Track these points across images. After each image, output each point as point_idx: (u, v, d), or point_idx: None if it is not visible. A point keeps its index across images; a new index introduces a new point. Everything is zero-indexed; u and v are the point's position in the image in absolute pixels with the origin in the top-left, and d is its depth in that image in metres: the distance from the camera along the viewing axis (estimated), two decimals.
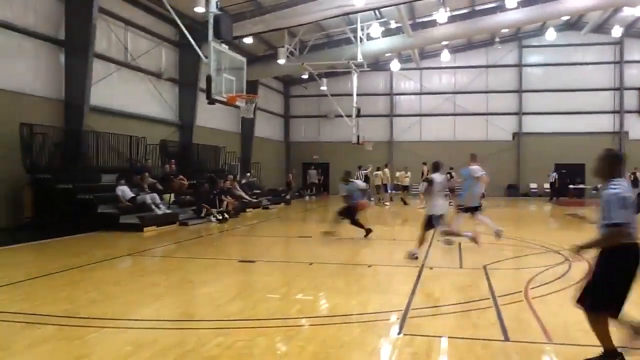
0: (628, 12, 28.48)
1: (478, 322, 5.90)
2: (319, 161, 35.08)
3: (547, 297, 6.93)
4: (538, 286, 7.53)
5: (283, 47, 24.78)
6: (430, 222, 10.22)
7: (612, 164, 4.54)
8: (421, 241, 10.20)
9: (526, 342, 5.30)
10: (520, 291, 7.19)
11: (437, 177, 10.56)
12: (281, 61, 24.72)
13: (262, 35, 24.27)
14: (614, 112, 33.26)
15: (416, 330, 5.62)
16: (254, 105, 14.78)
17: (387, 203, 25.82)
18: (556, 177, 30.44)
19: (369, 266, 9.33)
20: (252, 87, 25.38)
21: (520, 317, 6.07)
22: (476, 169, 12.42)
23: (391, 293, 7.43)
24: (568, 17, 31.42)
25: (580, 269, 8.91)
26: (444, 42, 30.55)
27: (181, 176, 19.14)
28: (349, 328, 5.79)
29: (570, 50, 33.40)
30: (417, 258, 9.74)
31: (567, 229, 17.41)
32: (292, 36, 25.36)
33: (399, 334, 5.52)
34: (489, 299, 6.86)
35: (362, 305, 6.66)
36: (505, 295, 6.99)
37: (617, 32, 30.07)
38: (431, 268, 9.11)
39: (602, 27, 31.44)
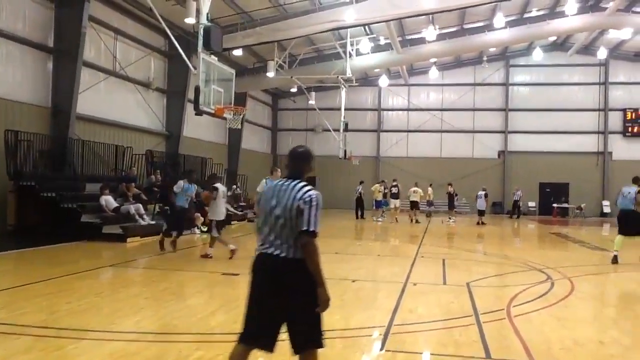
0: (613, 35, 29.00)
1: (460, 339, 5.90)
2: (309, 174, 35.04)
3: (530, 315, 6.95)
4: (521, 304, 7.56)
5: (273, 60, 24.87)
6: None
7: None
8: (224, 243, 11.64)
9: (507, 359, 5.32)
10: (503, 309, 7.21)
11: (221, 186, 11.92)
12: (270, 74, 24.78)
13: (252, 47, 24.35)
14: (598, 132, 33.68)
15: (398, 347, 5.61)
16: (241, 117, 14.78)
17: (380, 219, 25.66)
18: (520, 195, 30.62)
19: (352, 281, 9.31)
20: (241, 99, 25.44)
21: (502, 335, 6.08)
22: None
23: (374, 309, 7.42)
24: (555, 38, 31.97)
25: (563, 286, 9.00)
26: (433, 60, 30.88)
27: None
28: (331, 343, 5.74)
29: (556, 71, 33.86)
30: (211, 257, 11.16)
31: (552, 248, 17.50)
32: (282, 49, 25.47)
33: (381, 349, 5.50)
34: (471, 316, 6.86)
35: (345, 320, 6.63)
36: (487, 312, 7.01)
37: (602, 53, 30.56)
38: (415, 284, 9.12)
39: (588, 49, 31.96)
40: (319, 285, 3.63)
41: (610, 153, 33.45)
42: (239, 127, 16.61)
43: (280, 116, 37.17)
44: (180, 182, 12.73)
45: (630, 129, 33.24)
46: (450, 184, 26.58)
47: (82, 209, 14.93)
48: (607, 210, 32.26)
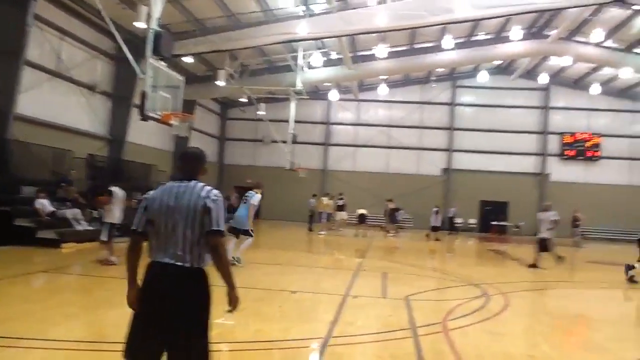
0: (554, 61, 30.23)
1: (396, 352, 5.97)
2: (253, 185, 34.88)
3: (465, 329, 7.10)
4: (457, 318, 7.72)
5: (223, 69, 24.73)
6: None
7: None
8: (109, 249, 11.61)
9: None
10: (439, 322, 7.34)
11: (119, 190, 11.94)
12: (220, 83, 24.62)
13: (203, 55, 24.16)
14: (537, 154, 34.92)
15: (336, 359, 5.63)
16: (188, 124, 14.60)
17: (323, 232, 25.65)
18: (455, 212, 31.46)
19: (292, 292, 9.30)
20: (189, 107, 25.16)
21: (437, 348, 6.19)
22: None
23: (313, 320, 7.43)
24: (500, 62, 33.07)
25: (498, 302, 9.25)
26: (382, 76, 31.43)
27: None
28: (269, 355, 5.74)
29: (500, 93, 34.95)
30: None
31: (489, 264, 17.97)
32: (233, 59, 25.38)
33: None
34: (409, 329, 6.96)
35: (284, 331, 6.61)
36: (424, 326, 7.13)
37: (544, 79, 31.77)
38: (355, 297, 9.18)
39: (530, 74, 33.17)
40: (230, 286, 3.55)
41: (548, 174, 34.72)
42: (186, 134, 16.39)
43: (229, 125, 36.91)
44: (258, 196, 12.67)
45: (566, 152, 34.61)
46: (390, 200, 27.02)
47: (16, 212, 14.35)
48: None
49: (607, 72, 30.63)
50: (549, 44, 26.68)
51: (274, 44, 22.67)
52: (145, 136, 24.99)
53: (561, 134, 34.74)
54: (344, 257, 17.26)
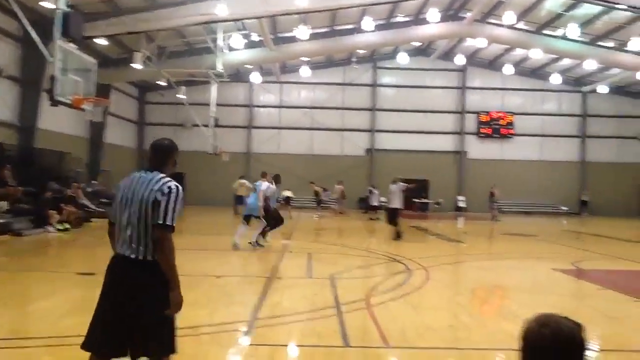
0: (470, 43, 31.19)
1: (321, 330, 6.03)
2: (175, 170, 34.13)
3: (388, 304, 7.27)
4: (380, 294, 7.89)
5: (140, 51, 23.84)
6: None
7: None
8: None
9: (365, 347, 5.52)
10: (363, 299, 7.48)
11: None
12: (137, 66, 23.74)
13: (117, 37, 23.19)
14: (456, 133, 36.11)
15: (261, 340, 5.63)
16: (102, 109, 14.04)
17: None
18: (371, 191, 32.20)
19: (217, 277, 9.20)
20: (104, 91, 24.17)
21: (361, 324, 6.31)
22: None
23: (239, 304, 7.39)
24: (419, 44, 33.75)
25: (419, 276, 9.52)
26: (304, 58, 31.37)
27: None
28: (192, 340, 5.63)
29: (419, 74, 35.78)
30: None
31: (411, 240, 18.44)
32: (150, 41, 24.50)
33: (243, 344, 5.49)
34: (333, 307, 7.05)
35: (208, 316, 6.53)
36: (348, 303, 7.24)
37: (460, 60, 32.74)
38: (280, 278, 9.20)
39: (448, 55, 34.07)
40: (172, 286, 3.41)
41: (466, 152, 36.01)
42: (101, 119, 15.75)
43: (148, 110, 35.81)
44: (272, 187, 13.55)
45: (483, 131, 35.99)
46: (312, 182, 27.25)
47: None
48: (462, 205, 34.69)
49: (519, 53, 31.93)
50: (465, 26, 27.48)
51: (192, 25, 22.13)
52: (58, 122, 23.74)
53: (478, 113, 36.08)
54: (269, 239, 17.24)
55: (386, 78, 36.44)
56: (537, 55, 29.16)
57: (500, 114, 36.02)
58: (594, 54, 28.25)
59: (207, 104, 28.09)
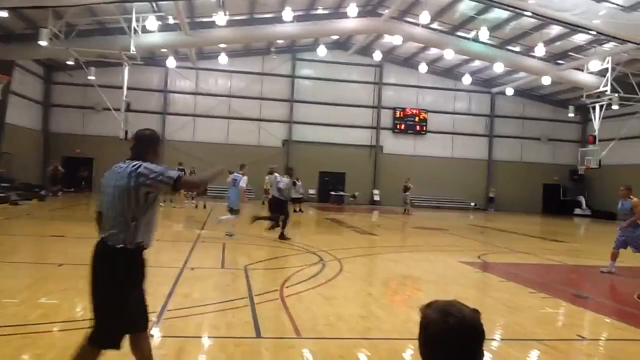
0: (387, 40, 31.77)
1: (233, 321, 5.93)
2: (83, 155, 32.66)
3: (300, 295, 7.26)
4: (293, 285, 7.87)
5: (46, 27, 22.46)
6: None
7: None
8: None
9: (277, 338, 5.47)
10: (276, 290, 7.43)
11: None
12: (43, 43, 22.36)
13: (21, 10, 21.73)
14: (372, 127, 36.77)
15: (169, 332, 5.45)
16: (3, 86, 13.10)
17: (162, 204, 24.67)
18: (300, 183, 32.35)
19: None
20: (6, 67, 22.66)
21: (274, 315, 6.25)
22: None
23: (148, 295, 7.08)
24: (337, 37, 34.00)
25: (333, 267, 9.58)
26: (222, 45, 30.78)
27: None
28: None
29: (338, 68, 36.06)
30: None
31: (326, 232, 18.62)
32: (58, 17, 23.14)
33: (150, 335, 5.27)
34: (246, 298, 6.95)
35: None
36: (261, 294, 7.16)
37: (377, 56, 33.29)
38: (192, 269, 8.98)
39: (366, 50, 34.54)
40: (214, 175, 4.06)
41: (381, 147, 36.77)
42: (0, 97, 14.71)
43: (56, 91, 33.85)
44: (286, 180, 13.92)
45: (398, 126, 36.87)
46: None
47: None
48: (377, 198, 35.44)
49: (433, 52, 32.87)
50: (382, 22, 27.95)
51: (104, 3, 21.09)
52: None
53: (393, 109, 36.88)
54: (182, 229, 16.85)
55: (305, 70, 36.48)
56: (450, 55, 30.14)
57: (414, 111, 37.03)
58: (503, 57, 29.57)
59: (119, 87, 26.94)
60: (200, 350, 5.10)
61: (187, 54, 31.91)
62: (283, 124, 35.71)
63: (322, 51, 32.23)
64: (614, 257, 10.87)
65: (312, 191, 35.17)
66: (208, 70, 34.80)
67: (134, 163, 3.63)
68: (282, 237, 13.56)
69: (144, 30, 24.85)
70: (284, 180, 14.06)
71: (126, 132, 26.03)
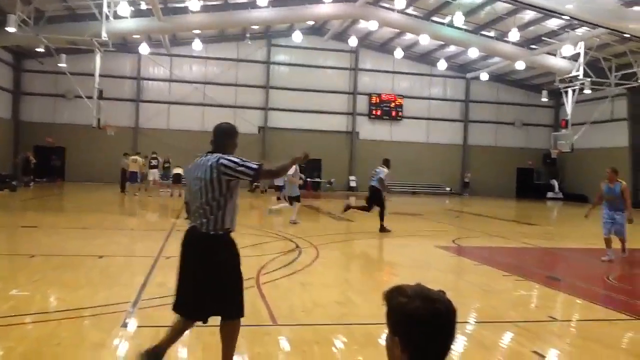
0: (363, 25, 31.69)
1: None
2: (55, 144, 32.09)
3: (277, 282, 7.27)
4: (270, 272, 7.86)
5: (14, 13, 21.90)
6: None
7: None
8: None
9: (253, 325, 5.45)
10: (253, 277, 7.41)
11: None
12: (11, 29, 21.84)
13: None
14: (348, 113, 36.77)
15: (144, 322, 5.42)
16: None
17: (137, 193, 24.41)
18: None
19: (99, 257, 8.75)
20: None
21: (250, 302, 6.17)
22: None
23: (122, 285, 7.05)
24: (313, 23, 33.80)
25: (310, 254, 9.60)
26: (196, 31, 30.36)
27: None
28: (70, 324, 5.31)
29: (313, 54, 35.91)
30: None
31: (303, 219, 18.59)
32: (26, 3, 22.60)
33: (125, 326, 5.24)
34: None
35: (88, 298, 6.18)
36: None
37: (353, 42, 33.21)
38: (168, 258, 8.90)
39: (341, 36, 34.43)
40: (293, 161, 4.46)
41: (358, 133, 36.82)
42: None
43: (26, 78, 33.11)
44: (386, 170, 13.95)
45: (374, 112, 36.92)
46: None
47: None
48: (353, 184, 35.53)
49: (408, 37, 32.89)
50: (358, 7, 27.86)
51: None
52: None
53: (369, 94, 36.89)
54: (158, 218, 16.72)
55: (280, 56, 36.25)
56: (425, 41, 30.19)
57: (390, 97, 37.09)
58: (477, 42, 29.72)
59: (91, 75, 26.45)
60: None
61: (160, 40, 31.46)
62: (259, 110, 35.51)
63: (297, 37, 32.04)
64: (608, 244, 10.37)
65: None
66: (182, 56, 34.38)
67: (215, 155, 3.96)
68: (383, 229, 13.55)
69: (116, 16, 24.45)
70: (382, 171, 13.98)
71: (99, 120, 25.64)
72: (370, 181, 14.23)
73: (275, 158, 29.20)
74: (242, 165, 3.89)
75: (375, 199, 14.00)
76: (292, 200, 14.84)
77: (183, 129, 33.65)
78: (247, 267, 8.38)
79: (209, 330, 5.22)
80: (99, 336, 4.95)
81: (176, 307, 4.10)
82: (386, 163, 14.34)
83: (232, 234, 4.08)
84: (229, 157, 3.93)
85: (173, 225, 13.31)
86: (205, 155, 4.06)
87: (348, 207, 14.69)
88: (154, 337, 4.91)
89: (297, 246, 10.41)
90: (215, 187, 3.88)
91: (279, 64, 36.13)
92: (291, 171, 13.72)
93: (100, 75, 26.41)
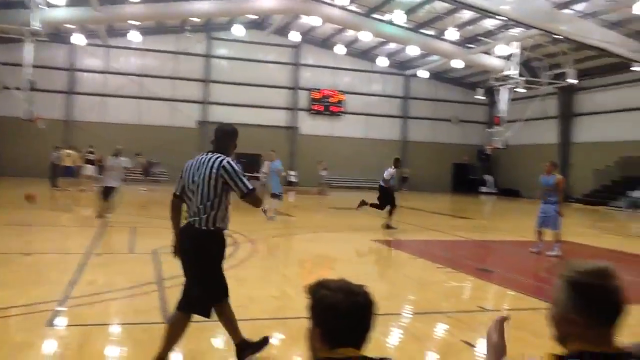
0: (305, 21, 31.69)
1: (140, 307, 5.81)
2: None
3: None
4: None
5: None
6: None
7: None
8: None
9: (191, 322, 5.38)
10: None
11: None
12: None
13: None
14: (289, 108, 36.72)
15: (73, 320, 5.28)
16: None
17: (71, 188, 23.49)
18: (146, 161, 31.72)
19: (27, 254, 8.41)
20: None
21: None
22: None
23: (51, 283, 6.80)
24: (255, 16, 33.52)
25: (246, 249, 9.55)
26: (134, 22, 29.54)
27: None
28: None
29: (255, 48, 35.62)
30: None
31: (240, 214, 18.46)
32: None
33: (52, 325, 5.07)
34: (154, 283, 6.80)
35: (15, 297, 5.94)
36: (172, 278, 6.99)
37: (295, 37, 33.15)
38: (99, 254, 8.67)
39: (283, 31, 34.27)
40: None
41: (298, 128, 36.83)
42: None
43: None
44: (391, 170, 13.88)
45: (314, 107, 37.02)
46: (138, 154, 26.09)
47: None
48: (293, 179, 35.51)
49: (350, 34, 33.09)
50: (300, 2, 27.85)
51: None
52: None
53: (310, 90, 36.95)
54: (90, 213, 16.21)
55: (221, 49, 35.77)
56: (366, 37, 30.48)
57: (331, 92, 37.27)
58: (417, 40, 30.27)
59: (21, 65, 25.33)
60: (106, 337, 4.94)
61: (96, 30, 30.44)
62: (198, 104, 34.94)
63: (238, 30, 31.75)
64: (538, 236, 10.70)
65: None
66: (119, 48, 33.33)
67: (219, 156, 4.13)
68: (388, 226, 13.65)
69: (48, 4, 23.54)
70: (389, 171, 14.04)
71: (30, 113, 24.61)
72: (381, 181, 14.42)
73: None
74: (240, 179, 4.09)
75: (385, 197, 14.20)
76: (274, 196, 14.74)
77: (119, 122, 32.69)
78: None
79: (141, 327, 5.14)
80: (23, 336, 4.77)
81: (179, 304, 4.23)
82: (395, 163, 14.44)
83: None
84: (231, 163, 4.11)
85: (106, 222, 12.94)
86: (206, 153, 4.22)
87: (363, 203, 14.83)
88: (84, 335, 4.79)
89: (235, 241, 10.32)
90: (212, 186, 4.06)
91: (219, 57, 35.65)
92: (265, 169, 13.87)
93: (32, 66, 25.33)
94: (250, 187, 4.15)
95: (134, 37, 30.90)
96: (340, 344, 1.73)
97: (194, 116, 34.70)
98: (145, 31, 32.12)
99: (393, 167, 14.20)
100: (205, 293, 4.14)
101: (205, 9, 27.61)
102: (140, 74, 33.68)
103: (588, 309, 1.63)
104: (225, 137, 4.38)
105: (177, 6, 27.10)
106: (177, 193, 4.31)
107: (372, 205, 14.68)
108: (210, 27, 34.77)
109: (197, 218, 4.08)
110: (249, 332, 5.04)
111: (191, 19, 31.28)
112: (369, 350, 1.79)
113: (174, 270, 7.52)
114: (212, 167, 4.06)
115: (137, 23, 29.92)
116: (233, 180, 4.07)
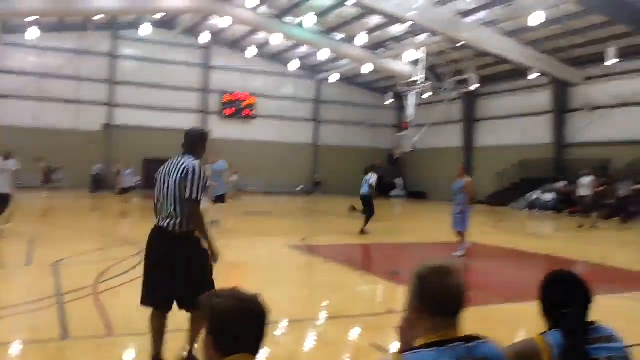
0: (215, 21, 31.18)
1: (37, 323, 5.43)
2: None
3: (117, 289, 6.84)
4: (109, 279, 7.38)
5: None
6: None
7: None
8: None
9: (87, 337, 5.08)
10: (90, 285, 6.92)
11: None
12: None
13: None
14: (199, 111, 35.99)
15: None
16: None
17: None
18: (102, 169, 31.11)
19: None
20: None
21: (85, 313, 5.81)
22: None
23: None
24: (163, 15, 32.52)
25: None
26: (32, 18, 27.80)
27: None
28: None
29: (163, 48, 34.62)
30: None
31: (149, 222, 17.87)
32: None
33: None
34: (54, 297, 6.37)
35: None
36: (73, 291, 6.61)
37: (205, 37, 32.53)
38: None
39: (193, 31, 33.52)
40: (209, 242, 4.24)
41: (209, 132, 36.10)
42: None
43: None
44: (375, 176, 14.11)
45: (226, 111, 36.52)
46: (40, 159, 24.79)
47: None
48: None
49: (262, 36, 32.87)
50: (210, 2, 27.35)
51: None
52: None
53: (221, 92, 36.40)
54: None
55: (127, 49, 34.50)
56: (277, 40, 30.45)
57: (242, 95, 36.92)
58: (327, 44, 30.58)
59: None
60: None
61: None
62: (103, 107, 33.48)
63: (145, 30, 30.75)
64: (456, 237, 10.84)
65: (137, 178, 33.55)
66: (15, 45, 31.26)
67: (187, 161, 4.21)
68: (362, 232, 13.82)
69: None
70: (373, 177, 14.21)
71: None
72: (361, 188, 14.47)
73: (121, 157, 27.74)
74: (197, 185, 4.10)
75: (369, 205, 14.38)
76: (218, 200, 14.27)
77: (15, 125, 30.39)
78: (84, 276, 7.88)
79: (38, 345, 4.77)
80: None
81: (147, 301, 4.29)
82: (372, 169, 14.65)
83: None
84: (198, 168, 4.16)
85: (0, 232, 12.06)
86: (177, 157, 4.30)
87: (353, 209, 14.79)
88: None
89: (140, 251, 9.91)
90: (181, 189, 4.12)
91: (125, 57, 34.37)
92: (209, 172, 13.25)
93: None
94: (198, 198, 4.13)
95: (32, 34, 29.06)
96: (233, 351, 1.75)
97: (98, 119, 33.22)
98: (45, 28, 30.26)
99: (373, 172, 14.47)
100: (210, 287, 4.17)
101: (109, 6, 26.44)
102: (40, 74, 31.72)
103: (427, 298, 1.95)
104: (193, 140, 4.42)
105: (80, 3, 25.81)
106: (155, 201, 4.38)
107: (361, 212, 14.89)
108: (116, 26, 33.46)
109: (170, 221, 4.14)
110: (148, 346, 4.83)
111: (95, 16, 29.86)
112: (275, 357, 1.74)
113: (76, 283, 7.15)
114: (181, 170, 4.13)
115: (36, 19, 28.15)
116: (190, 182, 4.09)
